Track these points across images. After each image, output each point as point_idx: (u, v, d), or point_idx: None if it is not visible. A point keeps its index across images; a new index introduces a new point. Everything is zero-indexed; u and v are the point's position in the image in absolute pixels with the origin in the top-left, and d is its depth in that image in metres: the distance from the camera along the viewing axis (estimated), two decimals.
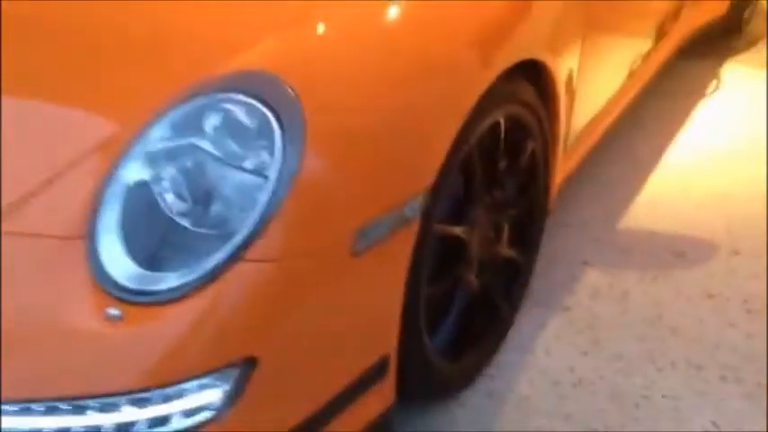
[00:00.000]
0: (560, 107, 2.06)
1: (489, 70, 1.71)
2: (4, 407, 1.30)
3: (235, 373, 1.35)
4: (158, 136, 1.41)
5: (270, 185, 1.35)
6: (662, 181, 2.77)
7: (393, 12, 1.64)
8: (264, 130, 1.38)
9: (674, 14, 3.10)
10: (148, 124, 1.41)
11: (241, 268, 1.33)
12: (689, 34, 3.30)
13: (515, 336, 2.10)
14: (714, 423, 1.88)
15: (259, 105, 1.39)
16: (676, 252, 2.42)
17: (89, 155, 1.43)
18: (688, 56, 3.37)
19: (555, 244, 2.41)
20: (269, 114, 1.39)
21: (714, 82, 3.43)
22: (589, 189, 2.67)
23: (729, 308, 2.22)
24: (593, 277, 2.32)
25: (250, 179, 1.36)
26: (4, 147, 1.47)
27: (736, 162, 2.87)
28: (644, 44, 2.82)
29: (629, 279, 2.32)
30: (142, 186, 1.38)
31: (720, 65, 3.56)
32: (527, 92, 1.90)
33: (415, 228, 1.57)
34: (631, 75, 2.73)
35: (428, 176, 1.58)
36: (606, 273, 2.33)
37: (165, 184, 1.38)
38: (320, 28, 1.57)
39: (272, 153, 1.37)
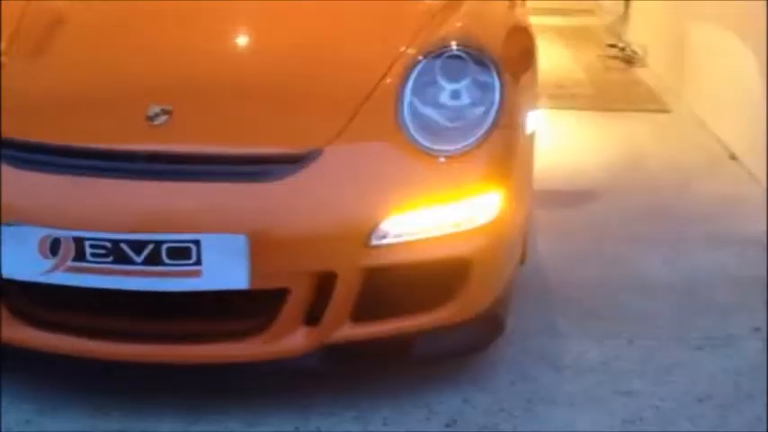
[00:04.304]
0: None
1: None
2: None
3: (499, 192, 2.33)
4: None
5: (497, 90, 2.37)
6: None
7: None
8: (481, 63, 2.41)
9: None
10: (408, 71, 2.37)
11: (496, 133, 2.34)
12: None
13: None
14: None
15: (475, 51, 2.43)
16: None
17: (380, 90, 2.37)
18: None
19: None
20: (485, 57, 2.42)
21: None
22: None
23: None
24: None
25: (490, 90, 2.37)
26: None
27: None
28: None
29: None
30: (417, 108, 2.33)
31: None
32: None
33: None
34: None
35: None
36: None
37: (430, 104, 2.35)
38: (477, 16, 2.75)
39: (491, 75, 2.40)
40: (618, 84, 5.69)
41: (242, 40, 2.72)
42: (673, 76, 5.50)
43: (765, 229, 3.43)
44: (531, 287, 2.96)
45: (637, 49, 6.39)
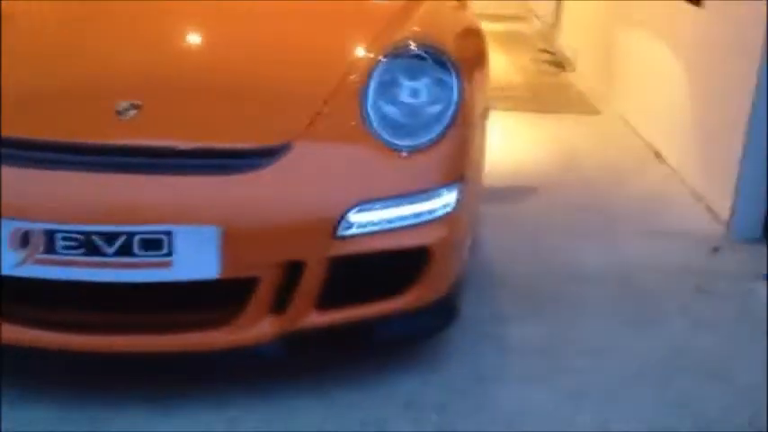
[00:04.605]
0: None
1: None
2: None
3: (456, 185, 2.48)
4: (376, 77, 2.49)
5: (455, 88, 2.51)
6: None
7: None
8: (440, 62, 2.53)
9: None
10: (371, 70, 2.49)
11: (454, 129, 2.48)
12: None
13: None
14: None
15: (434, 52, 2.57)
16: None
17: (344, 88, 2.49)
18: None
19: None
20: (444, 57, 2.55)
21: None
22: None
23: None
24: None
25: (449, 89, 2.50)
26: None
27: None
28: None
29: None
30: (380, 105, 2.46)
31: None
32: None
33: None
34: None
35: None
36: None
37: (392, 102, 2.48)
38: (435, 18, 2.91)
39: (449, 74, 2.53)
40: (550, 87, 5.93)
41: (209, 38, 2.80)
42: (601, 80, 5.76)
43: (688, 226, 3.74)
44: (478, 277, 3.14)
45: (567, 53, 6.66)
